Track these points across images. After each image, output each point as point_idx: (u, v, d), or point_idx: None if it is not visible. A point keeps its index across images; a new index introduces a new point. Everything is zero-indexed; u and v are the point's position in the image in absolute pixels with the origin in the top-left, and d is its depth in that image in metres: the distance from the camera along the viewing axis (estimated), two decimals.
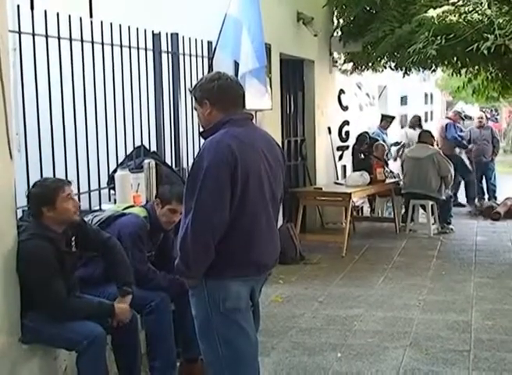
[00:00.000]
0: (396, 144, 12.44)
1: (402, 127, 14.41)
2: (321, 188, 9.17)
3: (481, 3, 7.59)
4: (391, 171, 10.63)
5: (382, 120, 12.16)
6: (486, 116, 14.20)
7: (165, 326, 4.33)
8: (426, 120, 18.14)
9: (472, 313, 6.02)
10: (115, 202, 5.26)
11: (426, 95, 20.27)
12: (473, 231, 10.14)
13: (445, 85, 18.08)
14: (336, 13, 10.20)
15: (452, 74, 10.63)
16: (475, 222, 11.00)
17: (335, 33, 10.24)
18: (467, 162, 12.48)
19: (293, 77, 9.61)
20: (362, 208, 11.25)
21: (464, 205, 12.26)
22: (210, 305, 3.16)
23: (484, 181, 12.74)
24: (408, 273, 7.50)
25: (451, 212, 10.27)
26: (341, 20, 10.21)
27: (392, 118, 12.50)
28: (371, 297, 6.57)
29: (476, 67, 9.99)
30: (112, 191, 5.49)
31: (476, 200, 12.30)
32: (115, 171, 5.45)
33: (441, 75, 15.35)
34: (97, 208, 5.20)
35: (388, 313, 6.05)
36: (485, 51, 6.75)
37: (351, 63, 10.64)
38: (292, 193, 8.79)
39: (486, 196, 12.65)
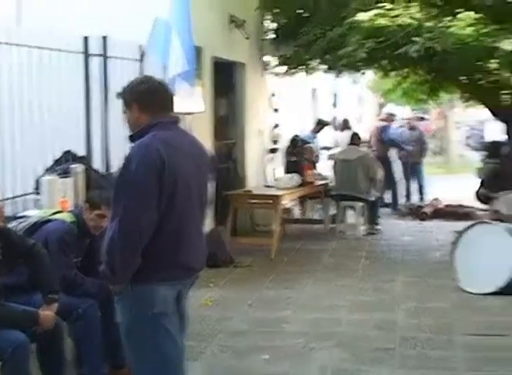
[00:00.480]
0: (326, 148, 12.57)
1: (336, 130, 14.55)
2: (251, 191, 9.14)
3: (411, 7, 7.70)
4: (319, 173, 10.72)
5: (317, 124, 12.28)
6: (420, 117, 14.46)
7: (93, 333, 4.30)
8: (358, 122, 18.36)
9: (398, 312, 6.14)
10: (41, 208, 5.20)
11: (358, 97, 20.51)
12: (401, 231, 10.34)
13: (376, 87, 18.35)
14: (268, 16, 10.27)
15: (382, 76, 10.79)
16: (403, 222, 11.21)
17: (267, 36, 10.30)
18: (396, 169, 12.68)
19: (225, 80, 9.62)
20: (293, 210, 11.31)
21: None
22: (136, 311, 3.14)
23: (412, 182, 12.96)
24: (337, 275, 7.56)
25: (379, 213, 10.43)
26: (274, 23, 10.28)
27: (326, 124, 12.65)
28: (299, 299, 6.63)
29: (405, 70, 10.15)
30: (38, 197, 5.43)
31: (404, 200, 12.54)
32: (42, 176, 5.40)
33: (372, 77, 15.60)
34: (23, 214, 5.13)
35: (316, 314, 6.12)
36: (414, 54, 6.88)
37: (284, 66, 10.71)
38: (223, 196, 8.78)
39: (415, 196, 12.89)
